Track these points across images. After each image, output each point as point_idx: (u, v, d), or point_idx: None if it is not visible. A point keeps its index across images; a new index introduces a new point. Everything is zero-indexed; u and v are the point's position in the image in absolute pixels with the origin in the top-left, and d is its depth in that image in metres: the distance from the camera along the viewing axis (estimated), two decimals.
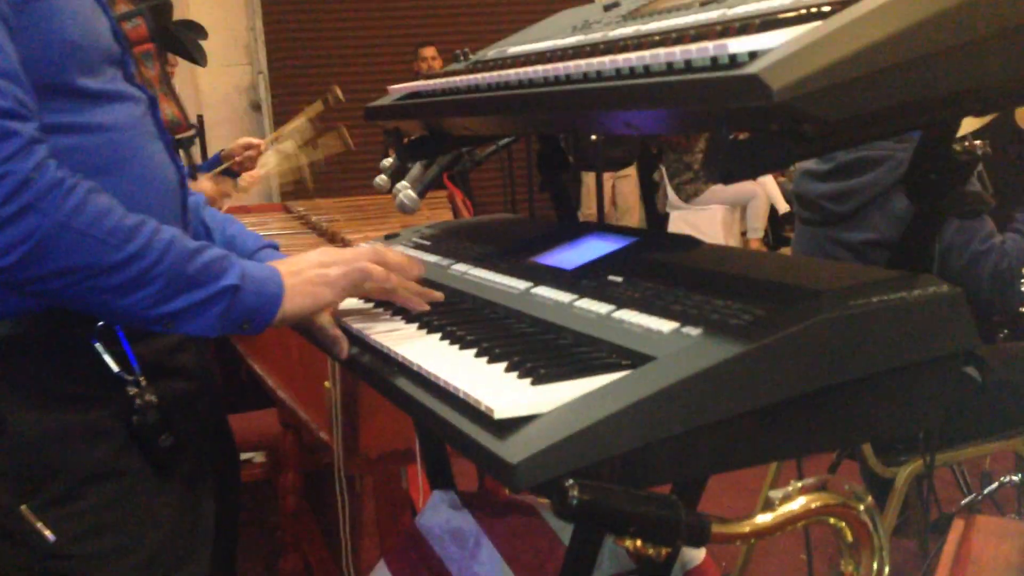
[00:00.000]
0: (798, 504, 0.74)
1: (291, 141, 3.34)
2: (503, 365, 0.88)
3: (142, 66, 1.14)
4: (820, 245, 2.19)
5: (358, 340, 1.10)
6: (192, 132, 1.09)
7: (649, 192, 6.68)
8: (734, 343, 0.77)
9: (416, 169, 1.98)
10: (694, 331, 0.82)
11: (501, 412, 0.76)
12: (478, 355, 0.93)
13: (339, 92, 3.36)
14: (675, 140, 5.76)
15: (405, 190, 1.91)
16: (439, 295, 1.15)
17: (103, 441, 1.08)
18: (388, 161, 2.04)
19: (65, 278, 0.97)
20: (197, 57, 3.09)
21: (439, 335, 1.03)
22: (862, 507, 0.76)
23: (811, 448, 0.80)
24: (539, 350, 0.90)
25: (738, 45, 0.76)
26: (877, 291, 0.81)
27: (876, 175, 2.00)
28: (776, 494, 0.75)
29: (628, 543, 0.67)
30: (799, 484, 0.75)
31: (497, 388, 0.82)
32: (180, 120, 1.15)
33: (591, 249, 1.19)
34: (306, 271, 1.09)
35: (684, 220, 6.07)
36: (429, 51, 6.41)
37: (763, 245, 6.26)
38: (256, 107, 7.17)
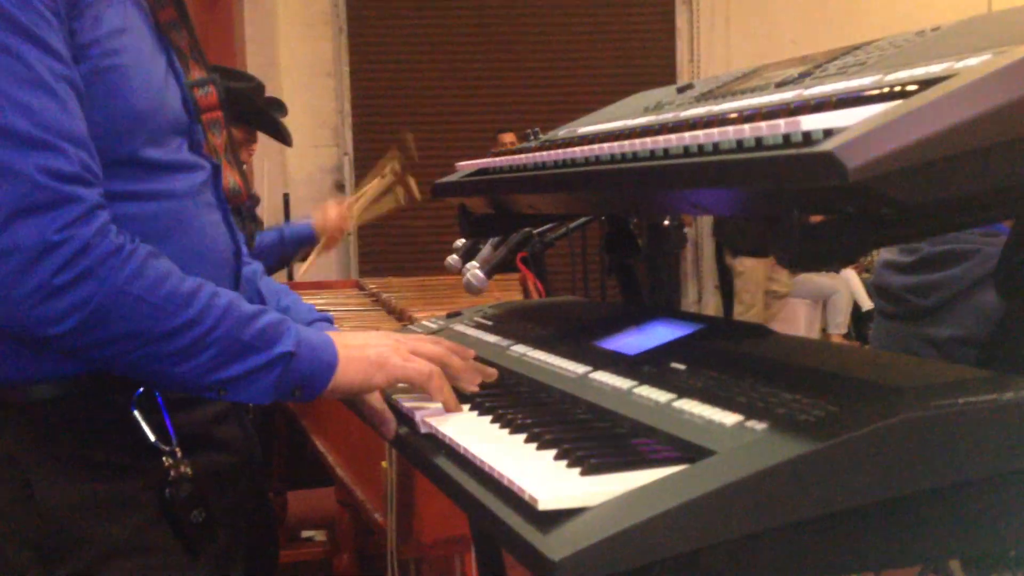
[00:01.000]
0: None
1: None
2: (552, 452, 0.83)
3: (210, 133, 1.14)
4: (902, 340, 2.09)
5: (406, 419, 1.06)
6: (255, 203, 1.10)
7: (727, 282, 6.58)
8: (802, 441, 0.71)
9: (487, 250, 1.97)
10: (759, 425, 0.76)
11: (546, 503, 0.71)
12: (528, 440, 0.88)
13: (409, 138, 3.43)
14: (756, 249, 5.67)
15: (473, 269, 1.90)
16: (493, 372, 1.11)
17: (132, 513, 1.05)
18: (461, 242, 2.04)
19: (120, 345, 0.96)
20: (286, 136, 3.17)
21: (490, 417, 0.98)
22: None
23: (887, 563, 0.73)
24: (592, 438, 0.85)
25: (812, 122, 0.72)
26: (964, 391, 0.74)
27: (963, 268, 1.91)
28: None
29: None
30: None
31: (544, 477, 0.77)
32: (241, 189, 1.15)
33: (656, 335, 1.13)
34: (364, 348, 1.07)
35: None
36: (508, 137, 6.50)
37: (845, 342, 6.08)
38: (340, 187, 7.35)
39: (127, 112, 1.02)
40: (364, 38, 7.39)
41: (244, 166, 3.35)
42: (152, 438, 1.05)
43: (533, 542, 0.69)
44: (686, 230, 7.00)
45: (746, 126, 0.78)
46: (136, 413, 1.05)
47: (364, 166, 7.34)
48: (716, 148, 0.83)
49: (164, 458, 1.05)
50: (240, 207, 1.18)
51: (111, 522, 1.04)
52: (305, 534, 3.69)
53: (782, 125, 0.73)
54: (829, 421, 0.73)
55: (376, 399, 1.07)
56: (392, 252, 7.24)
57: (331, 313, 1.69)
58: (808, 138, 0.73)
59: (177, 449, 1.06)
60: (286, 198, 7.12)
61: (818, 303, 6.12)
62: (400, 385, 1.09)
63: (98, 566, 1.03)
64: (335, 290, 3.49)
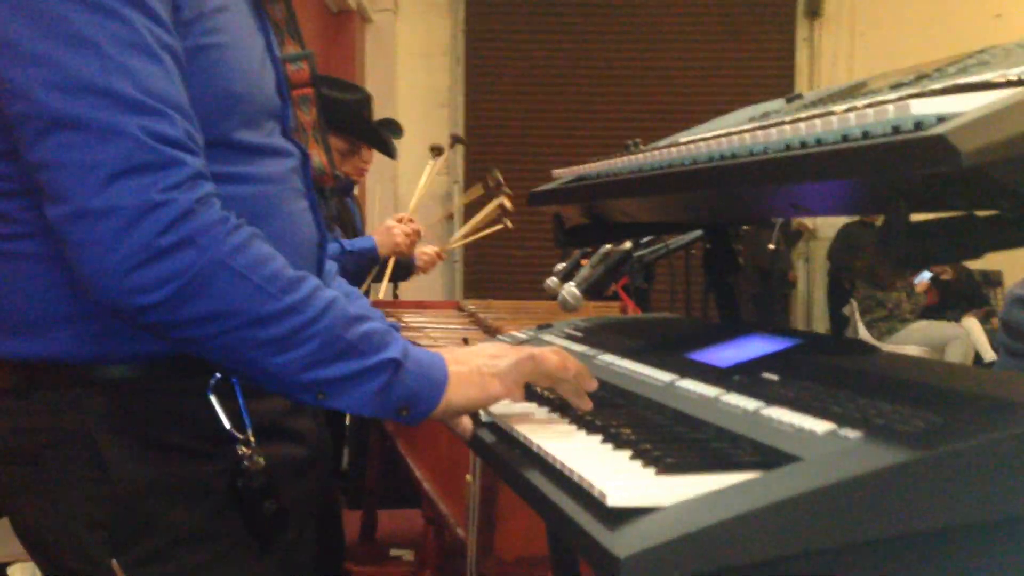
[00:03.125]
0: None
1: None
2: (628, 453, 0.79)
3: (298, 109, 1.13)
4: None
5: (478, 419, 1.03)
6: (337, 183, 1.09)
7: (839, 326, 6.36)
8: (899, 450, 0.65)
9: (585, 271, 1.94)
10: (852, 434, 0.70)
11: (615, 499, 0.67)
12: (604, 441, 0.84)
13: (499, 175, 3.48)
14: (872, 272, 5.48)
15: (569, 286, 1.87)
16: (595, 383, 1.03)
17: (204, 500, 1.02)
18: (561, 265, 2.02)
19: (215, 324, 0.91)
20: (390, 149, 3.22)
21: (567, 420, 0.95)
22: None
23: None
24: (671, 440, 0.81)
25: (923, 107, 0.67)
26: None
27: None
28: None
29: None
30: None
31: (616, 474, 0.73)
32: (326, 169, 1.14)
33: (750, 348, 1.08)
34: (473, 360, 1.01)
35: None
36: None
37: None
38: (449, 216, 7.44)
39: (224, 93, 1.00)
40: (480, 69, 7.50)
41: (356, 182, 3.44)
42: (228, 425, 1.02)
43: (600, 539, 0.65)
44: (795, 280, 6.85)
45: (851, 115, 0.73)
46: (213, 398, 1.02)
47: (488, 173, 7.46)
48: (819, 142, 0.79)
49: (238, 446, 1.02)
50: (323, 189, 1.16)
51: (183, 507, 1.01)
52: (394, 553, 3.69)
53: (891, 110, 0.68)
54: (932, 432, 0.67)
55: None
56: (497, 277, 7.27)
57: (427, 328, 1.67)
58: (919, 126, 0.68)
59: (252, 437, 1.03)
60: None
61: (936, 352, 5.85)
62: None
63: (168, 551, 1.01)
64: (436, 309, 3.51)
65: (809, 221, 7.25)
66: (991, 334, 5.56)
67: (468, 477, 1.76)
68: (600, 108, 7.32)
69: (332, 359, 0.94)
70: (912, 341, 5.70)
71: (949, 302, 6.04)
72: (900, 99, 0.74)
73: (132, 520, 1.00)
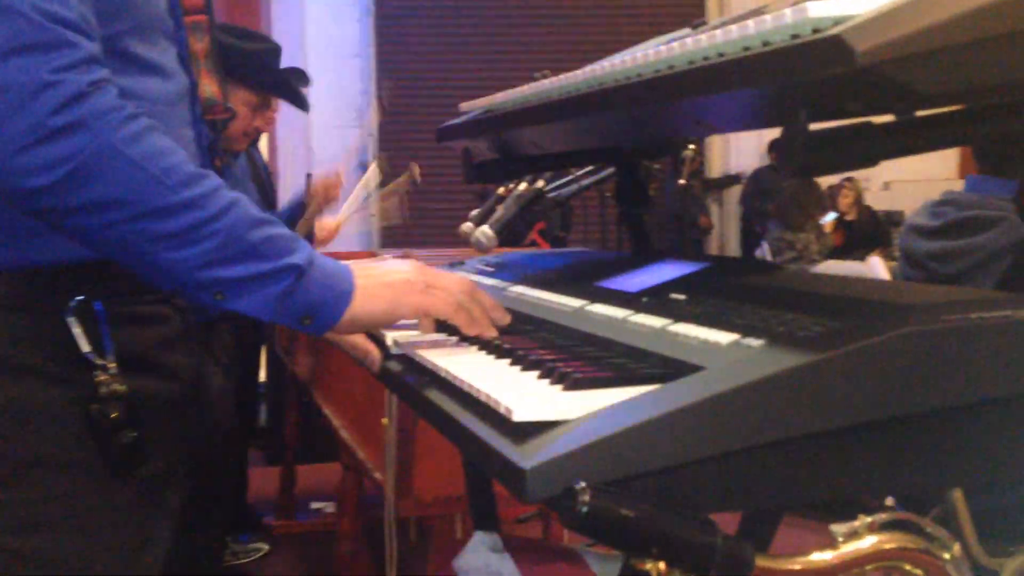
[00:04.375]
0: (867, 543, 0.61)
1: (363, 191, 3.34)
2: (536, 373, 0.78)
3: (191, 36, 1.08)
4: None
5: (387, 351, 1.01)
6: (229, 115, 1.04)
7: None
8: (799, 353, 0.65)
9: (499, 212, 1.92)
10: (755, 342, 0.71)
11: (521, 415, 0.66)
12: (513, 363, 0.83)
13: (416, 171, 3.36)
14: (785, 211, 5.60)
15: (482, 227, 1.85)
16: (508, 317, 1.00)
17: (57, 426, 0.97)
18: (476, 211, 2.00)
19: (108, 213, 0.87)
20: (302, 101, 3.13)
21: (477, 346, 0.93)
22: (948, 556, 0.62)
23: (888, 487, 0.67)
24: (579, 359, 0.80)
25: (820, 10, 0.66)
26: (976, 308, 0.68)
27: (988, 237, 1.83)
28: (840, 529, 0.62)
29: (651, 567, 0.56)
30: (869, 519, 0.62)
31: (524, 392, 0.73)
32: (218, 99, 1.09)
33: (660, 273, 1.08)
34: (385, 275, 0.96)
35: None
36: None
37: None
38: (363, 167, 7.33)
39: None
40: (390, 19, 7.36)
41: (262, 134, 3.33)
42: (86, 348, 0.97)
43: (506, 453, 0.64)
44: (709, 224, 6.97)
45: (750, 22, 0.72)
46: (71, 320, 0.97)
47: (388, 146, 7.34)
48: (721, 55, 0.78)
49: (96, 372, 0.97)
50: (215, 123, 1.10)
51: (30, 431, 0.96)
52: (315, 505, 3.67)
53: (788, 15, 0.68)
54: (830, 335, 0.67)
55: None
56: (413, 228, 7.21)
57: None
58: (817, 31, 0.67)
59: (111, 364, 0.98)
60: (308, 178, 7.12)
61: None
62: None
63: (13, 477, 0.96)
64: (351, 260, 3.45)
65: (737, 169, 7.40)
66: (895, 271, 5.75)
67: (384, 420, 1.75)
68: (511, 49, 7.29)
69: (232, 259, 0.90)
70: None
71: (855, 242, 6.22)
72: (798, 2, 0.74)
73: None
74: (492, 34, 7.34)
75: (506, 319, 0.98)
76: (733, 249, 7.39)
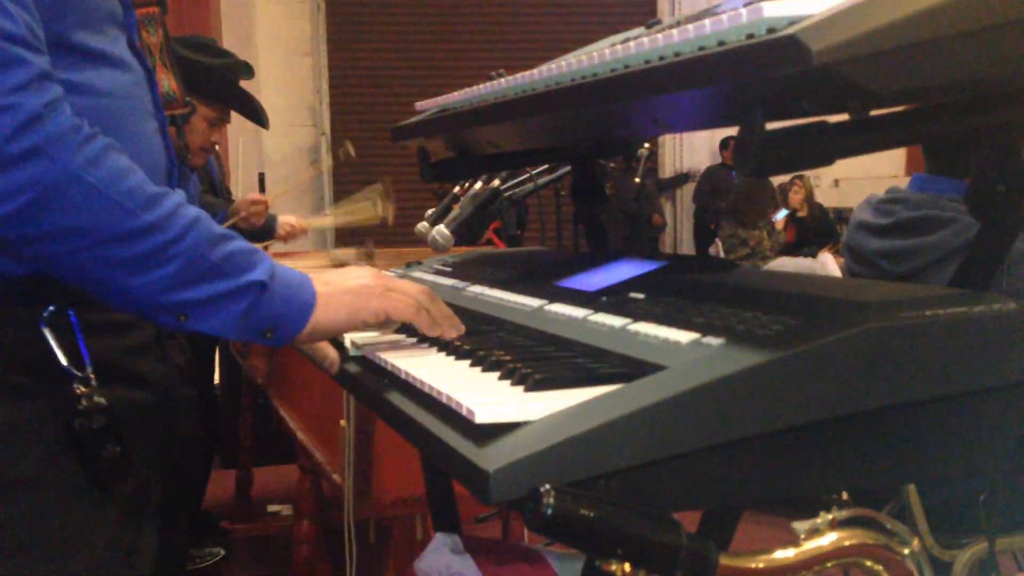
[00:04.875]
0: (828, 540, 0.62)
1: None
2: (497, 373, 0.78)
3: (143, 30, 1.05)
4: None
5: (346, 353, 1.00)
6: (188, 110, 1.02)
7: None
8: (759, 352, 0.66)
9: (455, 212, 1.91)
10: (716, 341, 0.71)
11: (483, 416, 0.66)
12: (473, 364, 0.83)
13: (351, 148, 3.42)
14: (738, 208, 5.66)
15: (438, 227, 1.85)
16: (462, 327, 0.99)
17: (36, 443, 0.94)
18: (431, 211, 1.99)
19: (69, 241, 0.84)
20: (262, 118, 3.07)
21: (436, 347, 0.93)
22: (907, 551, 0.63)
23: (846, 483, 0.68)
24: (539, 359, 0.80)
25: (775, 10, 0.67)
26: (932, 305, 0.69)
27: (940, 237, 1.86)
28: (801, 526, 0.63)
29: (616, 568, 0.56)
30: (830, 516, 0.63)
31: (485, 394, 0.72)
32: (176, 94, 1.07)
33: (618, 273, 1.09)
34: (345, 282, 0.96)
35: None
36: None
37: None
38: (315, 165, 7.25)
39: None
40: (342, 17, 7.31)
41: (216, 147, 3.29)
42: (64, 361, 0.94)
43: (469, 455, 0.64)
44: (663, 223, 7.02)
45: (707, 22, 0.73)
46: (46, 331, 0.94)
47: (340, 146, 7.29)
48: (677, 55, 0.78)
49: (76, 385, 0.94)
50: (175, 119, 1.07)
51: (13, 450, 0.93)
52: (272, 508, 3.63)
53: (744, 15, 0.68)
54: (789, 333, 0.68)
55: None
56: (370, 229, 7.18)
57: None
58: (772, 31, 0.68)
59: (91, 376, 0.96)
60: (261, 177, 7.02)
61: None
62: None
63: None
64: (307, 259, 3.42)
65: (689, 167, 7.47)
66: (843, 267, 5.84)
67: (342, 422, 1.74)
68: (465, 47, 7.28)
69: (195, 280, 0.88)
70: None
71: (806, 239, 6.31)
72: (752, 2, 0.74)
73: None
74: (446, 32, 7.32)
75: (461, 330, 0.98)
76: (687, 247, 7.46)
